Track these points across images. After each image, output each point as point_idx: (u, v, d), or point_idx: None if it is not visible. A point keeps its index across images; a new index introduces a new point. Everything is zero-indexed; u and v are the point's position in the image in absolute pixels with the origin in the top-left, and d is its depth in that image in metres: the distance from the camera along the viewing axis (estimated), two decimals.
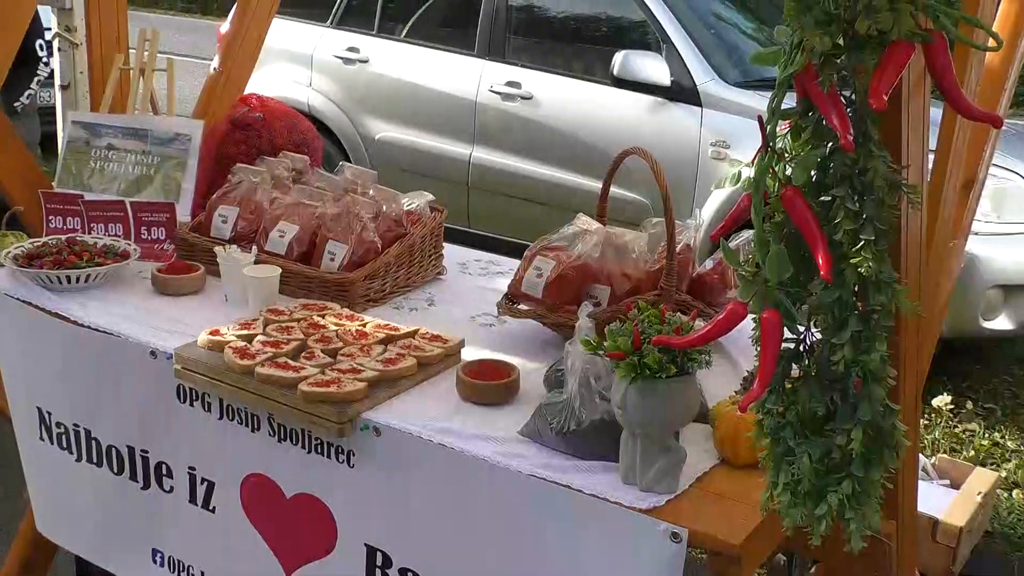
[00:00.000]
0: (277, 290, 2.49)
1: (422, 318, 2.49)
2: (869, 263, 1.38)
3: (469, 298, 2.64)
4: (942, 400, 4.50)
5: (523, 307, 2.36)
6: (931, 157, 1.83)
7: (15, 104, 4.69)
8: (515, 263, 2.57)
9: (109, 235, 2.82)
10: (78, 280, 2.58)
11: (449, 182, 5.79)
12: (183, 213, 2.90)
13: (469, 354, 2.22)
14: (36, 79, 4.89)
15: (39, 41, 4.80)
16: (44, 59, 4.84)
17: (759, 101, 4.95)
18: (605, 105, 5.42)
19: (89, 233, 2.83)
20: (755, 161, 1.45)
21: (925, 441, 4.28)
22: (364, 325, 2.30)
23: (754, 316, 1.47)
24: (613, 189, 2.46)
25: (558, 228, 2.38)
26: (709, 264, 2.41)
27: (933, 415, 4.49)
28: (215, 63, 3.27)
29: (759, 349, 1.45)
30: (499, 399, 2.04)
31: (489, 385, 2.04)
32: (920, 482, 2.56)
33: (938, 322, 2.23)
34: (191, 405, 2.27)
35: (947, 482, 3.62)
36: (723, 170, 4.91)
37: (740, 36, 5.93)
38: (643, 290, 2.28)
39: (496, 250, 3.19)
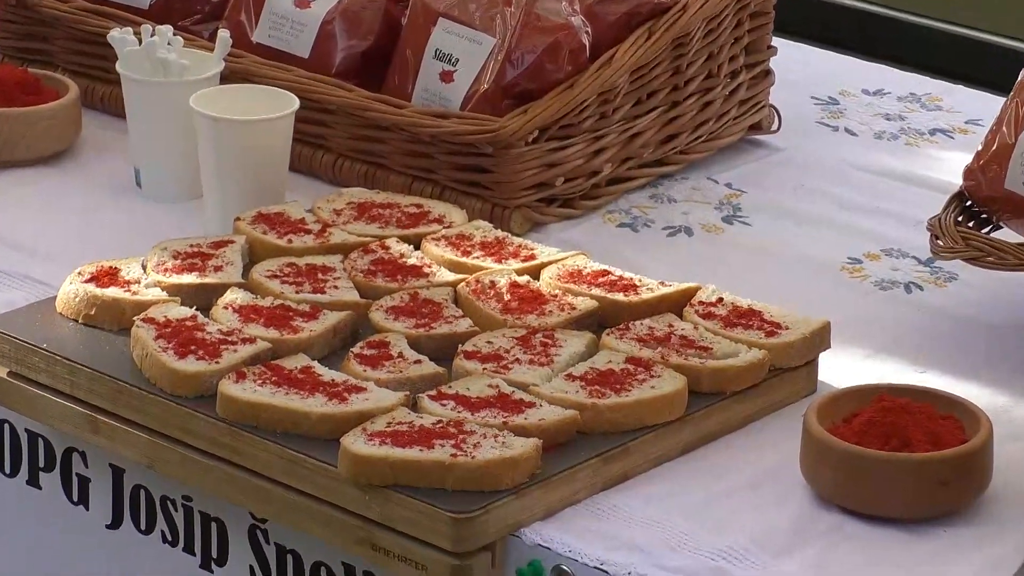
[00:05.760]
0: (287, 160, 2.62)
1: (705, 257, 2.63)
2: None
3: (841, 199, 2.76)
4: None
5: (1008, 237, 2.40)
6: None
7: None
8: (985, 102, 2.82)
9: None
10: None
11: None
12: None
13: (838, 370, 2.29)
14: None
15: None
16: None
17: None
18: None
19: None
20: None
21: None
22: (535, 271, 2.41)
23: None
24: None
25: None
26: None
27: None
28: None
29: None
30: (926, 502, 2.06)
31: (902, 461, 2.06)
32: None
33: None
34: (36, 484, 2.37)
35: None
36: None
37: None
38: None
39: (923, 64, 3.17)
